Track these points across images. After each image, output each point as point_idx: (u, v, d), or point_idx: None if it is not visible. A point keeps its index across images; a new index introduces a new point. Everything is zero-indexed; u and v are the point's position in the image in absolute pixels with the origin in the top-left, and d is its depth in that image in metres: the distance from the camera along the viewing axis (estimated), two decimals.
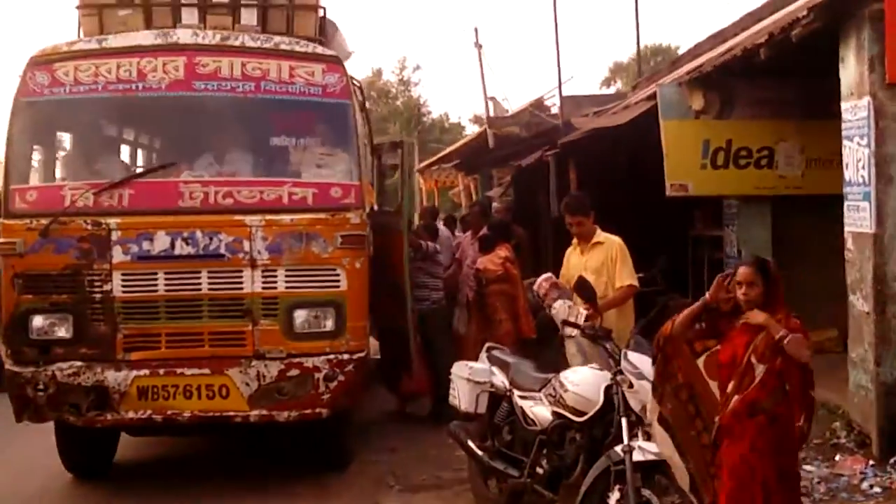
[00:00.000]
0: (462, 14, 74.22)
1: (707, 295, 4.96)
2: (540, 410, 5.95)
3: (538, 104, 22.58)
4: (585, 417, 5.59)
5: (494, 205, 12.87)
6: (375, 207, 9.27)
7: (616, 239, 6.95)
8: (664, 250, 10.64)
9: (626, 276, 6.82)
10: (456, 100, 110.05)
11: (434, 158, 28.04)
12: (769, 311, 4.71)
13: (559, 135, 12.57)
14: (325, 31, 8.26)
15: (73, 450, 7.67)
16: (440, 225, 12.65)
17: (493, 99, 30.42)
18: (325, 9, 8.23)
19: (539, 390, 6.01)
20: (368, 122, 10.81)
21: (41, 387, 6.93)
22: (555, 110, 19.30)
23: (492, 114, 25.10)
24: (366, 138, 9.58)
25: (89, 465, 7.87)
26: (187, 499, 7.25)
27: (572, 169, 11.18)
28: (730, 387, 4.74)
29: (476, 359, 6.84)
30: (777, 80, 9.55)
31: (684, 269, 11.56)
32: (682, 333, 4.98)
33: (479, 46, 30.28)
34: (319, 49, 7.67)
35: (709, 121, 9.85)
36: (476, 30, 35.58)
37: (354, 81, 10.85)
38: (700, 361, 5.03)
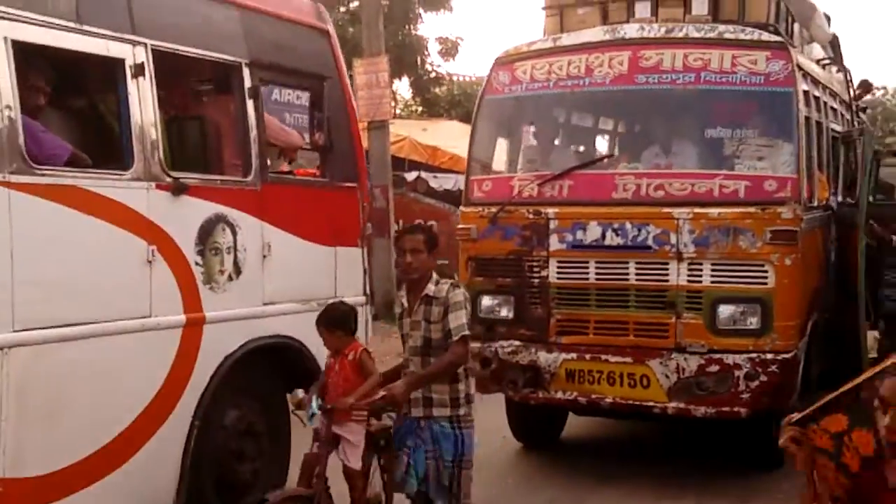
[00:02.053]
0: None
1: None
2: None
3: None
4: None
5: None
6: (840, 199, 8.70)
7: None
8: None
9: None
10: None
11: None
12: None
13: None
14: (780, 15, 7.91)
15: (520, 421, 8.25)
16: None
17: None
18: None
19: None
20: (851, 108, 10.12)
21: (486, 362, 7.57)
22: None
23: None
24: (839, 124, 9.05)
25: (536, 436, 8.45)
26: (613, 479, 7.48)
27: None
28: None
29: None
30: None
31: None
32: None
33: None
34: (765, 36, 7.40)
35: None
36: None
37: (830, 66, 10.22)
38: None
